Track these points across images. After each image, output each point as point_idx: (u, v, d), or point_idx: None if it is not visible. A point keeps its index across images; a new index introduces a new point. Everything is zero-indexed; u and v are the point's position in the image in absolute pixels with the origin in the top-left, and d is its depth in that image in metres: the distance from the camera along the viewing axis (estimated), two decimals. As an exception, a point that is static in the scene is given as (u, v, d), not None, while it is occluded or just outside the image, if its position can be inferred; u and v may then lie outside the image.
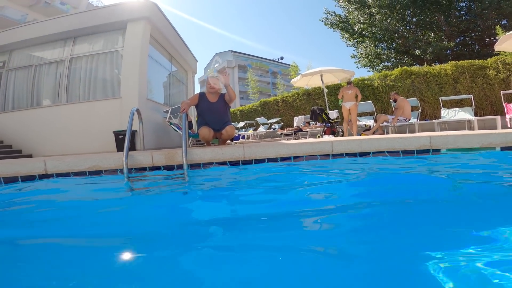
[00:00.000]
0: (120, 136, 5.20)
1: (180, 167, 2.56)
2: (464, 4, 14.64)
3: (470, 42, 15.29)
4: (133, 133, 5.08)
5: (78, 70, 6.21)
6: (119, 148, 5.14)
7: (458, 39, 15.05)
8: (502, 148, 2.54)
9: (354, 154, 2.52)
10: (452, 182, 1.62)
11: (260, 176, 2.24)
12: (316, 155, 2.50)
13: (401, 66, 9.19)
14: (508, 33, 5.56)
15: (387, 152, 2.56)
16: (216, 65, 47.99)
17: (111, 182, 2.34)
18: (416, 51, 14.53)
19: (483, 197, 1.34)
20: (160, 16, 6.48)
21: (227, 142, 4.58)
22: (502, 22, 13.20)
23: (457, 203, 1.31)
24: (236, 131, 12.91)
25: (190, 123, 5.91)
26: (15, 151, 5.98)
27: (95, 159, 2.50)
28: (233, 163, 2.59)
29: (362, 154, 2.54)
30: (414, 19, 15.56)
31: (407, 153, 2.61)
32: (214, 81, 3.65)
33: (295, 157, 2.51)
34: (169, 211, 1.48)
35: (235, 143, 5.81)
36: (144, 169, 2.57)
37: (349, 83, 6.23)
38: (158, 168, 2.58)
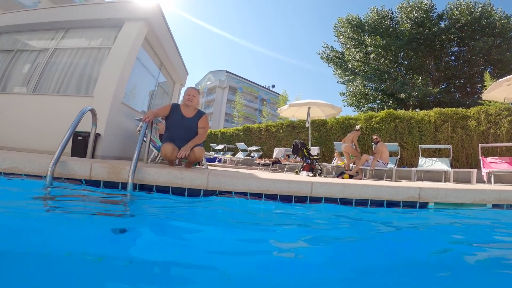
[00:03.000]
0: (79, 138, 4.59)
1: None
2: (456, 50, 15.69)
3: (453, 90, 16.17)
4: (95, 137, 4.54)
5: (59, 62, 5.79)
6: (75, 151, 4.52)
7: (443, 86, 15.89)
8: (493, 206, 2.38)
9: (334, 200, 2.17)
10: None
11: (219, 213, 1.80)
12: (291, 196, 2.12)
13: (386, 109, 9.33)
14: (500, 79, 5.45)
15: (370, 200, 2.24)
16: (208, 82, 48.12)
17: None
18: (402, 94, 15.13)
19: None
20: (161, 20, 6.25)
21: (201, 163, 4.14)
22: (487, 70, 14.01)
23: None
24: (213, 153, 12.44)
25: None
26: None
27: (16, 160, 1.98)
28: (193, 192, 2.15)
29: (344, 201, 2.19)
30: (405, 62, 16.45)
31: (392, 204, 2.31)
32: (194, 92, 3.27)
33: (266, 195, 2.11)
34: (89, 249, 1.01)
35: (209, 166, 5.36)
36: (78, 181, 2.06)
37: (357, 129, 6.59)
38: (97, 183, 2.08)
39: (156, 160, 5.20)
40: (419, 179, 7.10)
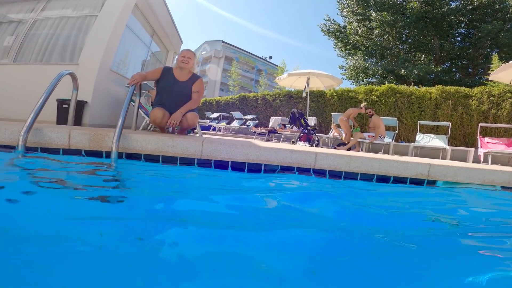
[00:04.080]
0: (64, 106, 4.30)
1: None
2: (463, 31, 15.02)
3: (454, 69, 15.69)
4: (82, 105, 4.28)
5: (40, 31, 5.45)
6: (60, 120, 4.25)
7: (445, 65, 15.43)
8: (503, 188, 2.26)
9: (339, 173, 2.01)
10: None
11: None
12: (293, 167, 1.96)
13: (386, 84, 9.06)
14: (511, 61, 5.37)
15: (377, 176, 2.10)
16: (204, 52, 46.55)
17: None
18: (402, 71, 14.71)
19: None
20: (152, -15, 5.81)
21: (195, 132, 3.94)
22: (493, 53, 13.54)
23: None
24: (208, 121, 12.18)
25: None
26: None
27: (-16, 127, 1.74)
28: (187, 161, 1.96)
29: (348, 175, 2.04)
30: (409, 40, 15.80)
31: (399, 181, 2.18)
32: (189, 54, 2.95)
33: (266, 166, 1.94)
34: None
35: (203, 134, 5.15)
36: (56, 151, 1.84)
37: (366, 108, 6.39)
38: (77, 152, 1.86)
39: (148, 128, 4.96)
40: (415, 155, 7.05)
